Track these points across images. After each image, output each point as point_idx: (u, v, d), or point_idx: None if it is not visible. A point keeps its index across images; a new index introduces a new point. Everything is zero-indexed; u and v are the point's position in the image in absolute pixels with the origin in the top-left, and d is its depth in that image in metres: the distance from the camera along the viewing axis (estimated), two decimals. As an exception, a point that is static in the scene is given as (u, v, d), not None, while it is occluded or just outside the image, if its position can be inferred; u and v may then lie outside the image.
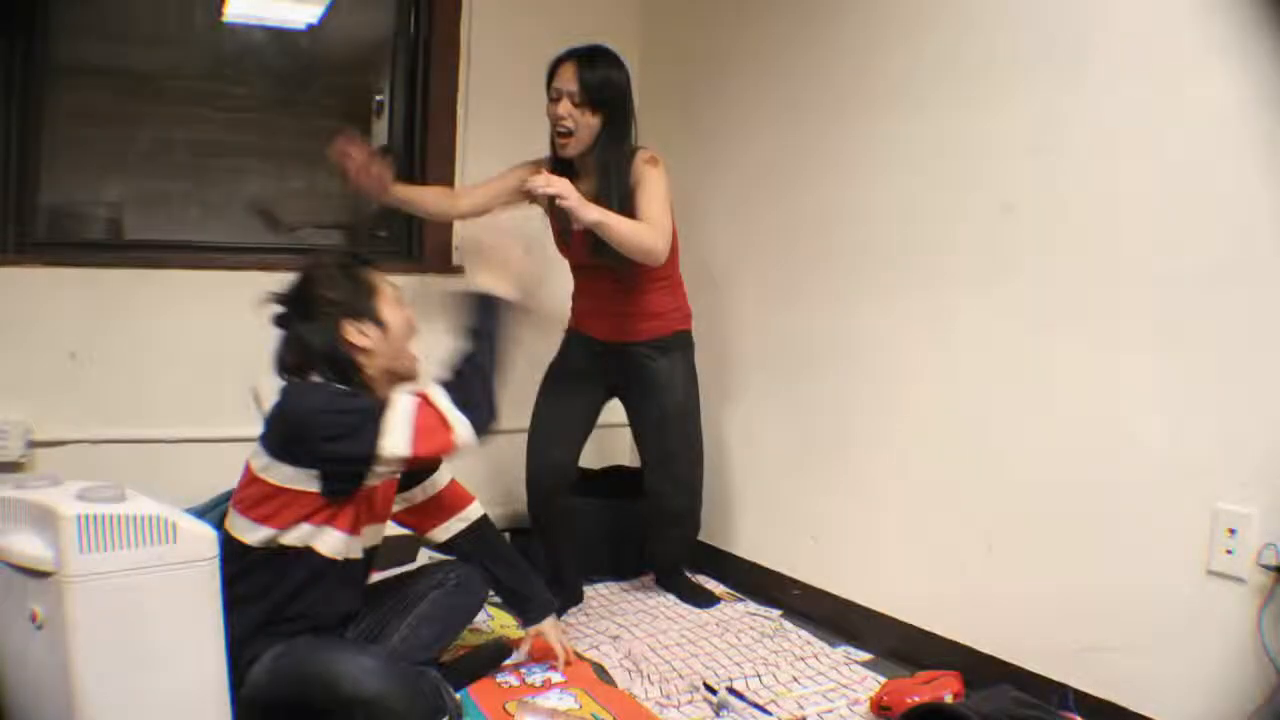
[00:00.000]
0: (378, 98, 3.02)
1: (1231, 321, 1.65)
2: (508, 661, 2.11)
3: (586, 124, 2.23)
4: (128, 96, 2.70)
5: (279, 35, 2.89)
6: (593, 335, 2.45)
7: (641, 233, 2.16)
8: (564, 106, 2.22)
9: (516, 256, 1.85)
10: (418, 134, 2.94)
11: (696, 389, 2.50)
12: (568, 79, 2.21)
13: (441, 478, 2.04)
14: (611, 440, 3.04)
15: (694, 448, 2.53)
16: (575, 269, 2.45)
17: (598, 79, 2.21)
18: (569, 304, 2.53)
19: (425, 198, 2.45)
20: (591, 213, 2.08)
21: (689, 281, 2.49)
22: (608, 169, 2.25)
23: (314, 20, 2.91)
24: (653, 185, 2.24)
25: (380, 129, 3.01)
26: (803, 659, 2.23)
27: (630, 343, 2.40)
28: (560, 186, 2.05)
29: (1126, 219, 1.80)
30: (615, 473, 3.04)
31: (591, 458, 3.00)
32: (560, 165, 2.29)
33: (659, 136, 3.10)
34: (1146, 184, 1.77)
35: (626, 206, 2.21)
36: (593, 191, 2.23)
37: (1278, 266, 1.59)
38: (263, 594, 1.69)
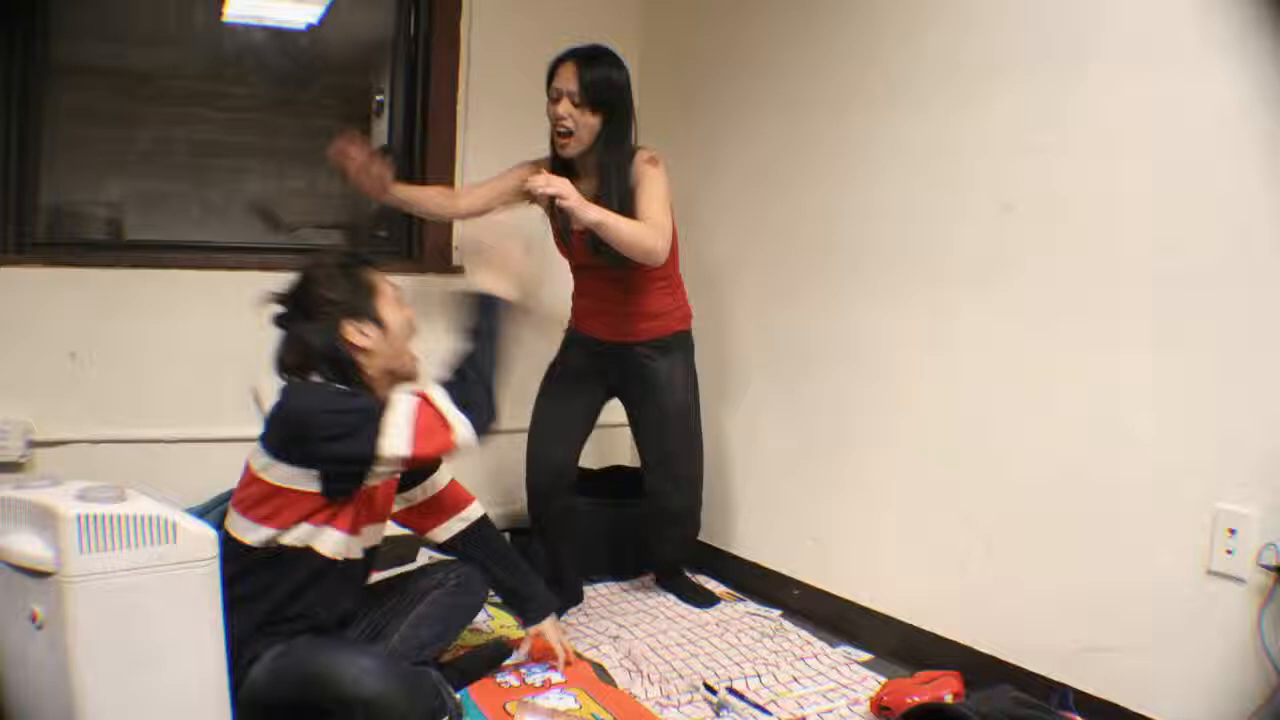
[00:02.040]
0: (378, 98, 3.02)
1: (1231, 321, 1.65)
2: (508, 661, 2.11)
3: (586, 124, 2.22)
4: (128, 96, 2.70)
5: (279, 35, 2.89)
6: (593, 335, 2.44)
7: (642, 233, 2.16)
8: (564, 106, 2.21)
9: (516, 256, 1.85)
10: (418, 134, 2.94)
11: (697, 389, 2.50)
12: (568, 79, 2.21)
13: (441, 478, 2.04)
14: (611, 440, 3.04)
15: (694, 448, 2.53)
16: (575, 269, 2.45)
17: (598, 79, 2.21)
18: (569, 304, 2.53)
19: (425, 198, 2.45)
20: (591, 213, 2.08)
21: (689, 281, 2.49)
22: (608, 169, 2.25)
23: (314, 20, 2.91)
24: (653, 185, 2.24)
25: (380, 129, 3.01)
26: (803, 659, 2.23)
27: (630, 343, 2.40)
28: (560, 186, 2.05)
29: (1126, 219, 1.80)
30: (615, 473, 3.04)
31: (591, 458, 2.99)
32: (560, 165, 2.29)
33: (659, 136, 3.09)
34: (1146, 184, 1.77)
35: (627, 206, 2.21)
36: (593, 191, 2.23)
37: (1277, 266, 1.59)
38: (263, 594, 1.69)
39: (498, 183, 2.42)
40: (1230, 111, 1.63)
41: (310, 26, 2.92)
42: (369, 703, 1.59)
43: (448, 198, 2.49)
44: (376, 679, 1.61)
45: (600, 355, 2.44)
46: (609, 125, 2.24)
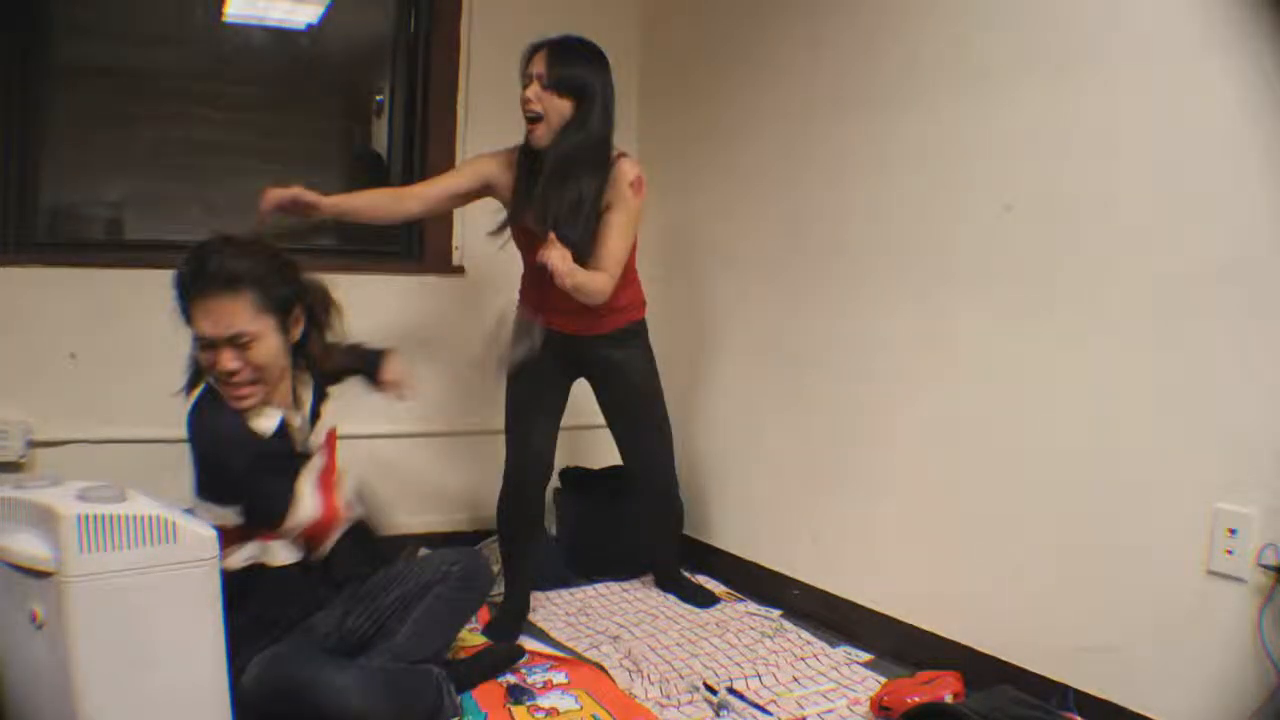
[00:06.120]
0: (378, 98, 3.02)
1: (1232, 321, 1.65)
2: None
3: (556, 109, 2.17)
4: (128, 96, 2.70)
5: (279, 35, 2.89)
6: (555, 329, 2.33)
7: (594, 290, 2.16)
8: (532, 90, 2.17)
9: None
10: (418, 134, 2.94)
11: (657, 372, 2.50)
12: (538, 63, 2.18)
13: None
14: (610, 441, 3.04)
15: (663, 430, 2.54)
16: (532, 267, 2.32)
17: (568, 62, 2.17)
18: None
19: (366, 204, 2.26)
20: (574, 279, 2.08)
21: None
22: (571, 163, 2.17)
23: (314, 20, 2.91)
24: (625, 221, 2.21)
25: (380, 129, 3.01)
26: (803, 659, 2.23)
27: (595, 335, 2.37)
28: (554, 259, 2.05)
29: (1126, 219, 1.80)
30: (615, 473, 3.03)
31: (591, 458, 3.00)
32: (531, 155, 2.23)
33: (659, 136, 3.10)
34: (1146, 184, 1.77)
35: (588, 212, 2.17)
36: (542, 189, 2.18)
37: (1278, 266, 1.59)
38: (231, 606, 1.69)
39: (450, 181, 2.34)
40: (1230, 111, 1.63)
41: (310, 26, 2.92)
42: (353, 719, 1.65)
43: (394, 200, 2.31)
44: (356, 697, 1.68)
45: (562, 346, 2.35)
46: (580, 111, 2.18)
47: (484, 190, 2.33)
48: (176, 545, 1.46)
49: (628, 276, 2.35)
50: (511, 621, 2.35)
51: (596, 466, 2.99)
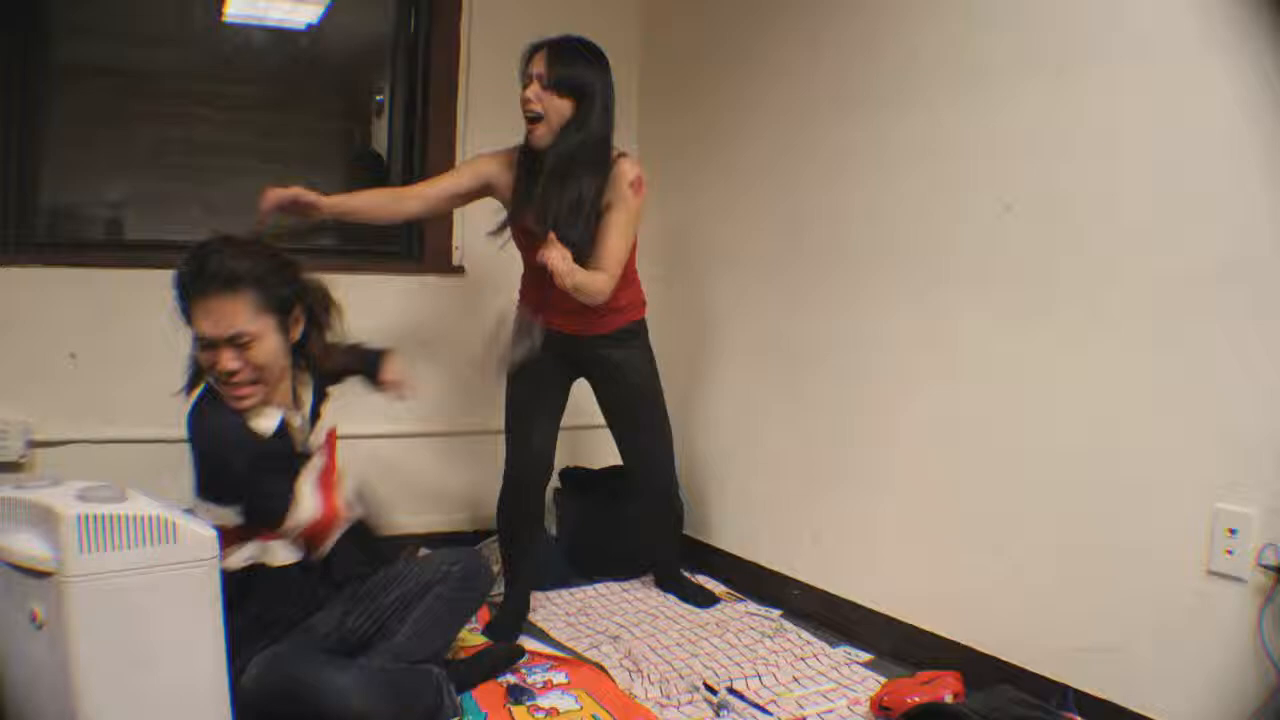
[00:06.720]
0: (378, 98, 3.02)
1: (1231, 321, 1.65)
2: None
3: (556, 109, 2.17)
4: (128, 96, 2.70)
5: (279, 35, 2.90)
6: (555, 329, 2.33)
7: (594, 290, 2.15)
8: (532, 90, 2.18)
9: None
10: (418, 134, 2.94)
11: (657, 372, 2.50)
12: (538, 63, 2.18)
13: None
14: (609, 441, 3.04)
15: (663, 430, 2.54)
16: (532, 267, 2.33)
17: (568, 62, 2.17)
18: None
19: (366, 204, 2.26)
20: (574, 279, 2.08)
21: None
22: (571, 163, 2.17)
23: (314, 20, 2.92)
24: (625, 221, 2.21)
25: (380, 129, 3.01)
26: (803, 659, 2.23)
27: (595, 335, 2.37)
28: (554, 259, 2.05)
29: (1126, 219, 1.80)
30: (615, 473, 3.03)
31: (591, 458, 3.00)
32: (530, 155, 2.23)
33: (659, 136, 3.10)
34: (1146, 184, 1.77)
35: (589, 213, 2.17)
36: (542, 189, 2.18)
37: (1278, 266, 1.59)
38: (231, 606, 1.69)
39: (450, 181, 2.33)
40: (1230, 111, 1.63)
41: (310, 26, 2.92)
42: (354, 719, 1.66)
43: (394, 200, 2.31)
44: (356, 697, 1.68)
45: (562, 346, 2.35)
46: (580, 111, 2.17)
47: (484, 190, 2.33)
48: (176, 545, 1.46)
49: (628, 276, 2.35)
50: (511, 621, 2.35)
51: (596, 466, 2.99)
